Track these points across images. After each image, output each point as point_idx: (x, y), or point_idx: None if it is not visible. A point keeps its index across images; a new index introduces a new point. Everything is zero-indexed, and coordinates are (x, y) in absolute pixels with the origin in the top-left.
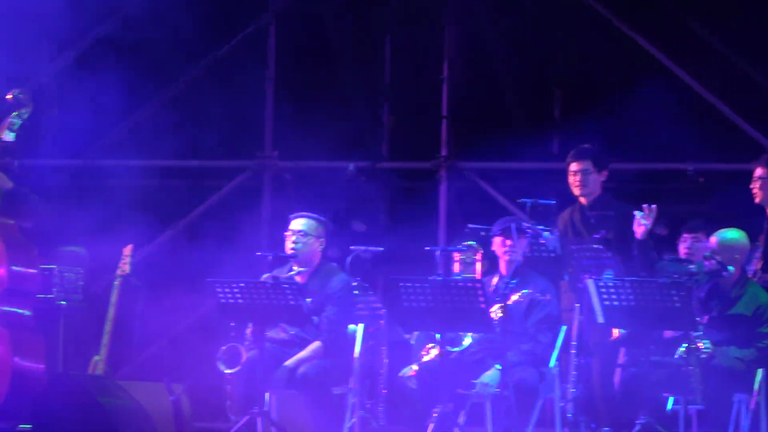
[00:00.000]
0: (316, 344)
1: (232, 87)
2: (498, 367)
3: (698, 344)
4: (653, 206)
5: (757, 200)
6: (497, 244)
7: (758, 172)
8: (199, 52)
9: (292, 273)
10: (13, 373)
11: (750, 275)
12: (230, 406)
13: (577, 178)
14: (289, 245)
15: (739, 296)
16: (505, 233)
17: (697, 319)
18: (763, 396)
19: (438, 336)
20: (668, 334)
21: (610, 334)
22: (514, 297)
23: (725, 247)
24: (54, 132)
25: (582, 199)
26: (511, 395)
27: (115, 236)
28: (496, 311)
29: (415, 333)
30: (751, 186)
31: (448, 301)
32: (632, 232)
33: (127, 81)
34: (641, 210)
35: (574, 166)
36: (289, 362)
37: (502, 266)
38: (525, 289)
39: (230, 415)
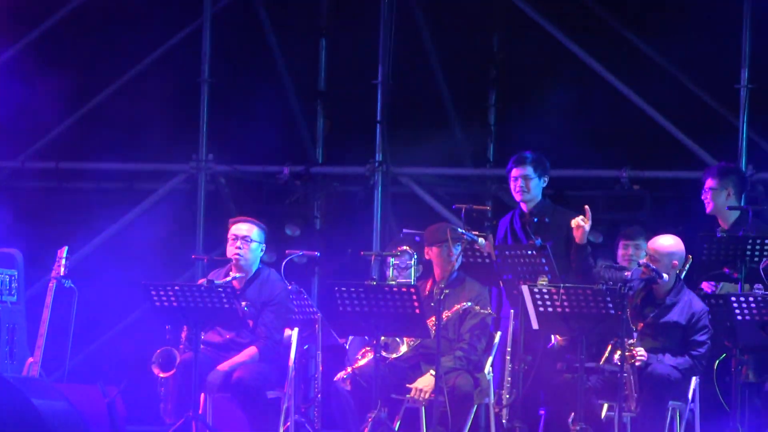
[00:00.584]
0: (251, 349)
1: (167, 90)
2: (432, 372)
3: (633, 351)
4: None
5: (708, 210)
6: (433, 253)
7: (708, 182)
8: (135, 54)
9: (228, 279)
10: None
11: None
12: (165, 409)
13: (518, 183)
14: (232, 250)
15: (673, 304)
16: (443, 245)
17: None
18: (698, 404)
19: (375, 341)
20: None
21: (546, 340)
22: (456, 307)
23: (660, 254)
24: None
25: (523, 205)
26: (445, 401)
27: (50, 238)
28: (432, 323)
29: (350, 337)
30: (703, 197)
31: (382, 306)
32: (572, 238)
33: (61, 83)
34: (582, 215)
35: (515, 172)
36: (223, 366)
37: (437, 272)
38: (460, 297)
39: (165, 418)
